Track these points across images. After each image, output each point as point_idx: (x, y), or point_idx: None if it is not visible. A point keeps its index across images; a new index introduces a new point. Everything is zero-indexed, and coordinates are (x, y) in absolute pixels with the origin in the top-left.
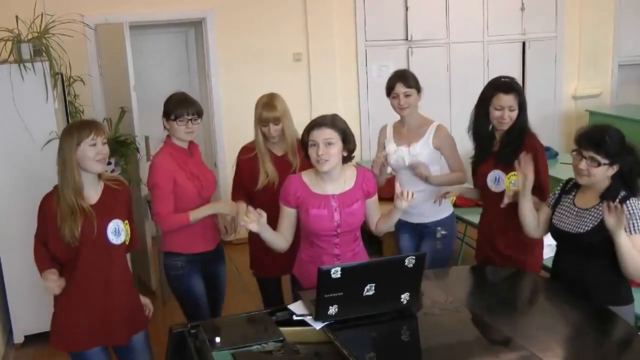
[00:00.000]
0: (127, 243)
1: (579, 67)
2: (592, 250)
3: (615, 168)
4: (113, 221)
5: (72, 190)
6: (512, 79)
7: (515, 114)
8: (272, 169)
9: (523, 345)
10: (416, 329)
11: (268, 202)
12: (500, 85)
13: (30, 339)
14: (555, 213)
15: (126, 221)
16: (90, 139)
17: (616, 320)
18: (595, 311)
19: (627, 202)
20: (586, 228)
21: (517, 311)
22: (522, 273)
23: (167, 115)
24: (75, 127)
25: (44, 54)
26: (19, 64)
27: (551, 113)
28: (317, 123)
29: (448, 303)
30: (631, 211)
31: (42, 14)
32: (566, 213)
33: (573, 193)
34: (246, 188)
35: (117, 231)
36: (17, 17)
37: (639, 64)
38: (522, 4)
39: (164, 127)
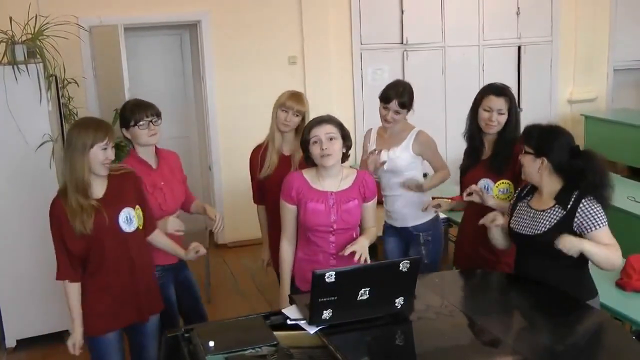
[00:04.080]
0: (140, 228)
1: (575, 72)
2: (550, 252)
3: (545, 161)
4: (124, 210)
5: (79, 193)
6: (506, 86)
7: (504, 118)
8: (274, 159)
9: (517, 349)
10: (410, 334)
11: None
12: (492, 88)
13: (22, 344)
14: (513, 217)
15: (137, 206)
16: (104, 143)
17: (605, 320)
18: (588, 312)
19: (581, 202)
20: (543, 229)
21: (511, 315)
22: (517, 276)
23: (125, 124)
24: (92, 128)
25: (38, 56)
26: (13, 66)
27: (546, 117)
28: (317, 120)
29: (443, 307)
30: (586, 212)
31: (36, 16)
32: (523, 216)
33: (529, 197)
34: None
35: (129, 219)
36: (10, 18)
37: (634, 68)
38: (518, 8)
39: (125, 138)
